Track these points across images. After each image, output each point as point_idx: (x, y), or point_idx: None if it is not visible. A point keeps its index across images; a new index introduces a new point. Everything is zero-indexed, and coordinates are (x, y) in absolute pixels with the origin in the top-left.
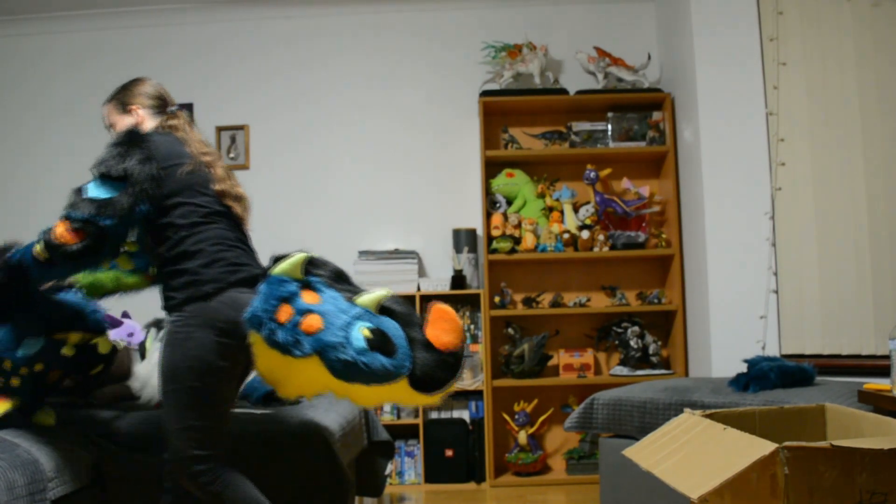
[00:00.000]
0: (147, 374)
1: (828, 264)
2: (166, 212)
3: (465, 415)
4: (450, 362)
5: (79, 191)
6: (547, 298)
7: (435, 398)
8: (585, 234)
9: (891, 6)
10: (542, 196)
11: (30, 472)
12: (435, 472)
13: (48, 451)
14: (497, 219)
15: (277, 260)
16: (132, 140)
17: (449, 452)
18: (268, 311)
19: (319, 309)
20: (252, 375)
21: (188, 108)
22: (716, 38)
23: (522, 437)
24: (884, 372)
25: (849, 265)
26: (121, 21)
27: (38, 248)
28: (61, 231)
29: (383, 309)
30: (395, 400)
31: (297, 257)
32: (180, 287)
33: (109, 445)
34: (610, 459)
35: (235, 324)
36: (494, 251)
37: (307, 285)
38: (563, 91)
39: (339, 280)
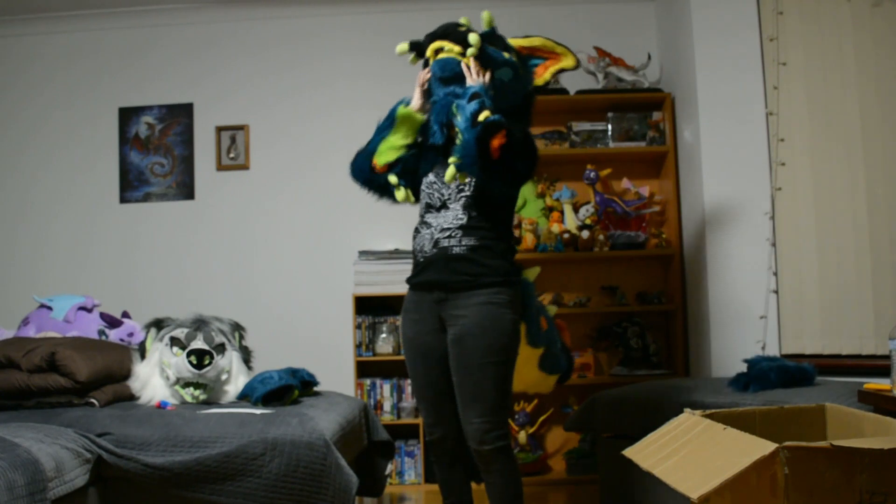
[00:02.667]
0: (147, 374)
1: (828, 264)
2: None
3: None
4: (572, 359)
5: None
6: (547, 298)
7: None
8: (585, 234)
9: (891, 6)
10: (542, 196)
11: (30, 472)
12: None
13: (48, 451)
14: None
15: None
16: None
17: None
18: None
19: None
20: (253, 375)
21: (188, 107)
22: (716, 38)
23: (522, 437)
24: (884, 372)
25: (849, 265)
26: (120, 21)
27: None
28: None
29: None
30: (536, 386)
31: (536, 269)
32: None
33: (109, 445)
34: (610, 459)
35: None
36: None
37: None
38: (563, 91)
39: None
